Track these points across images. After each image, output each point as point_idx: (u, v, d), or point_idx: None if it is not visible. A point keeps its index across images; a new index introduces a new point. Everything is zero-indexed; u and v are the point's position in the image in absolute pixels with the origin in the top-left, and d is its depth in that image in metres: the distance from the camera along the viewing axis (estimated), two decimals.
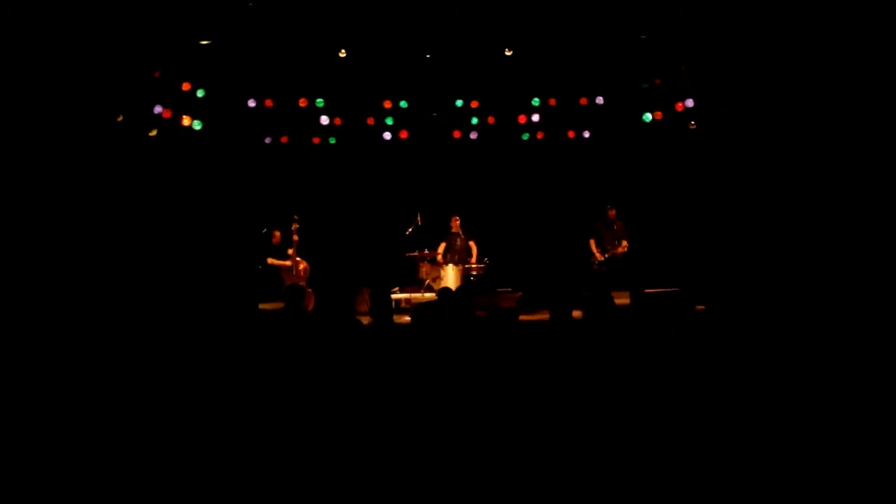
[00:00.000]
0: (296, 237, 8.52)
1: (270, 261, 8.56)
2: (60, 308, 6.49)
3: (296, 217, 8.56)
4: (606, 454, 3.03)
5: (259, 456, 3.06)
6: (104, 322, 6.18)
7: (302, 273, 8.58)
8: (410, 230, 9.13)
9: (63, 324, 5.88)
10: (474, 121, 9.55)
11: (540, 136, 9.79)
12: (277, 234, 8.65)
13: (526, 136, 9.76)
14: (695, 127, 8.96)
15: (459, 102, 9.37)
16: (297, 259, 8.58)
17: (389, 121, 9.46)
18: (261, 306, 7.28)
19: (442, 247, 9.26)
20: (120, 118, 7.89)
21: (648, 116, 9.23)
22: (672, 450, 3.03)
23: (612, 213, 9.11)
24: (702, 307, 4.79)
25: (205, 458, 3.09)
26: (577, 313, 4.48)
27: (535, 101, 9.37)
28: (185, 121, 8.66)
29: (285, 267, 8.54)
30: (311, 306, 8.36)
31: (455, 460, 3.01)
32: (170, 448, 3.14)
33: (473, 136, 9.67)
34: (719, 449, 2.98)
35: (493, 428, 3.20)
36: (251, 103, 9.03)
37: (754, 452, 2.90)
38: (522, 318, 7.44)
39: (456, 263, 9.02)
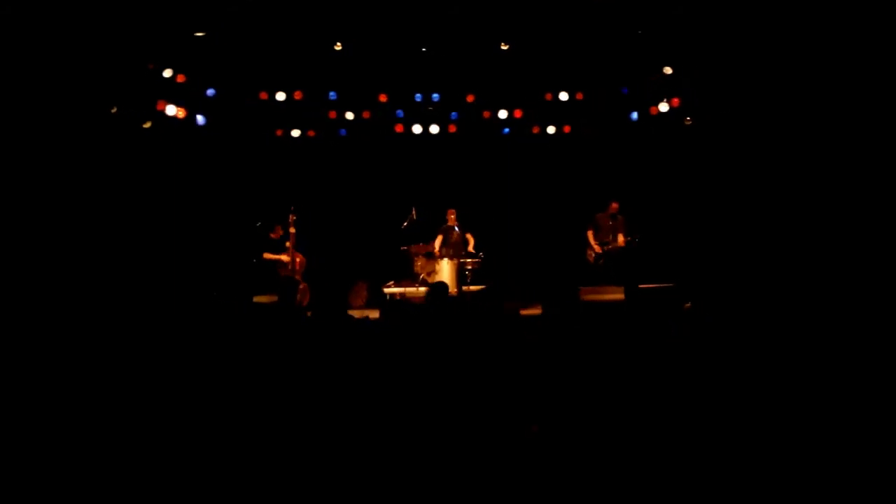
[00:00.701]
0: (293, 229, 8.51)
1: (267, 255, 8.55)
2: (55, 302, 6.47)
3: (293, 208, 8.54)
4: (599, 451, 3.03)
5: (253, 450, 3.06)
6: (99, 314, 6.17)
7: (298, 267, 8.57)
8: (405, 224, 9.11)
9: (57, 317, 5.86)
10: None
11: (536, 130, 9.77)
12: (279, 228, 8.62)
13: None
14: (690, 123, 8.96)
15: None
16: (294, 253, 8.57)
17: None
18: (255, 299, 7.28)
19: (438, 240, 9.24)
20: (114, 110, 7.85)
21: (635, 115, 9.26)
22: (667, 448, 3.04)
23: (615, 206, 9.07)
24: (688, 304, 4.80)
25: (199, 451, 3.09)
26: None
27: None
28: (180, 113, 8.63)
29: (281, 261, 8.54)
30: (305, 301, 8.36)
31: (449, 456, 3.02)
32: (165, 442, 3.14)
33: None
34: (715, 447, 2.99)
35: (486, 423, 3.21)
36: (248, 97, 8.99)
37: (751, 451, 2.91)
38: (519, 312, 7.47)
39: (451, 257, 9.01)
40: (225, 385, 3.51)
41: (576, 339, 3.94)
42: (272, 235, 8.61)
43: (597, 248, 9.05)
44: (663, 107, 9.11)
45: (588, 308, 5.83)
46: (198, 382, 3.61)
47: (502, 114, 9.58)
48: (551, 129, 9.79)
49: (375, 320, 4.99)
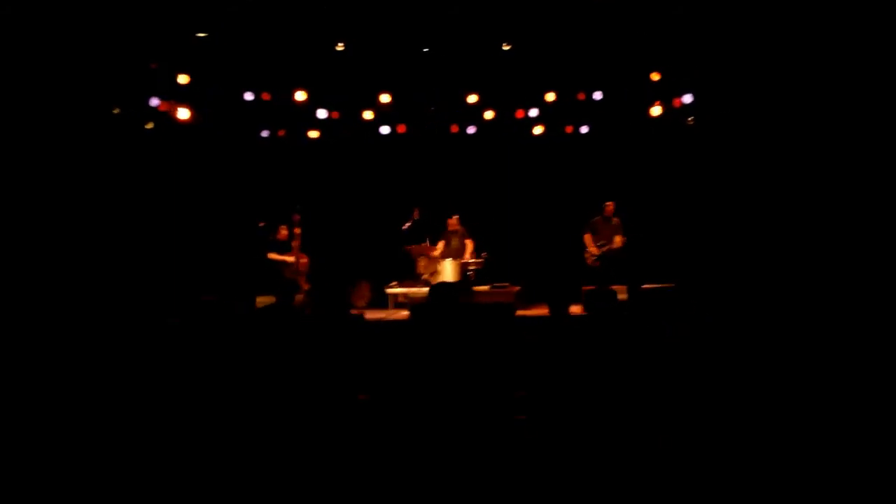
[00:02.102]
0: (297, 230, 8.49)
1: (272, 256, 8.53)
2: (55, 303, 6.47)
3: (297, 207, 8.52)
4: (602, 451, 3.02)
5: (254, 449, 3.06)
6: (99, 315, 6.18)
7: (302, 268, 8.56)
8: (408, 225, 9.10)
9: (57, 318, 5.86)
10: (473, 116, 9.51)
11: (541, 128, 9.75)
12: (283, 229, 8.61)
13: (527, 134, 9.73)
14: (693, 123, 8.94)
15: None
16: (299, 253, 8.55)
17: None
18: (258, 298, 7.27)
19: (440, 245, 9.25)
20: (116, 111, 7.86)
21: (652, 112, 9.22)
22: (668, 448, 3.03)
23: (611, 206, 9.07)
24: (692, 305, 4.79)
25: (200, 451, 3.08)
26: (576, 309, 4.47)
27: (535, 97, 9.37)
28: (183, 114, 8.62)
29: (286, 262, 8.52)
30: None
31: (450, 455, 3.01)
32: (166, 442, 3.14)
33: (469, 128, 9.65)
34: (716, 448, 2.98)
35: (488, 424, 3.20)
36: (248, 97, 8.99)
37: (752, 452, 2.89)
38: (520, 313, 7.47)
39: (454, 258, 9.01)
40: (224, 385, 3.51)
41: (583, 338, 3.93)
42: (277, 236, 8.59)
43: (594, 251, 9.04)
44: (664, 107, 9.10)
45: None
46: (197, 382, 3.61)
47: (505, 114, 9.56)
48: (554, 130, 9.77)
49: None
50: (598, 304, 4.17)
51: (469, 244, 9.27)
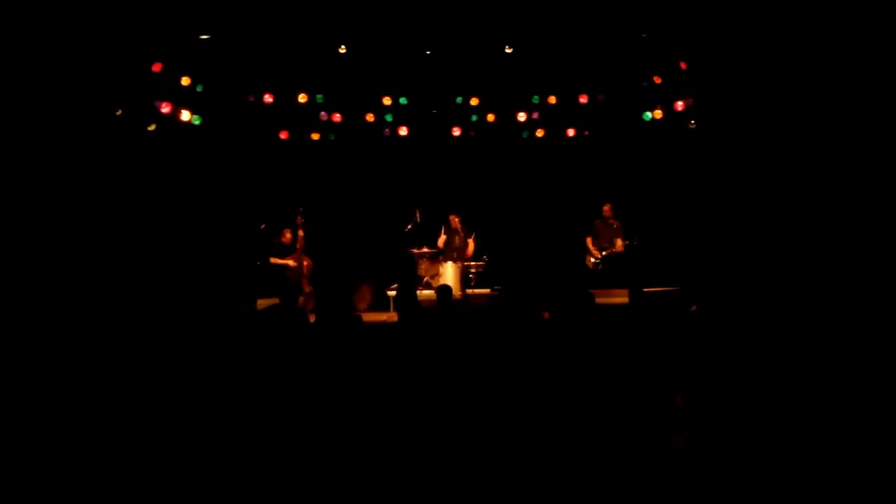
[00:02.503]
0: (301, 231, 8.48)
1: (274, 260, 8.50)
2: (57, 305, 6.47)
3: (301, 209, 8.51)
4: (601, 452, 3.03)
5: (256, 452, 3.06)
6: (101, 318, 6.19)
7: (305, 271, 8.54)
8: (409, 227, 9.11)
9: (60, 320, 5.87)
10: (473, 118, 9.53)
11: (541, 133, 9.76)
12: (287, 232, 8.59)
13: (526, 134, 9.74)
14: (694, 126, 8.95)
15: (459, 99, 9.32)
16: (302, 256, 8.53)
17: (388, 118, 9.44)
18: (259, 301, 7.28)
19: (442, 238, 9.22)
20: (119, 112, 7.87)
21: (649, 115, 9.20)
22: (667, 449, 3.04)
23: (608, 208, 9.08)
24: (694, 307, 4.80)
25: (202, 453, 3.09)
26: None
27: (535, 99, 9.36)
28: (185, 116, 8.63)
29: (289, 265, 8.51)
30: (310, 305, 8.35)
31: (451, 457, 3.01)
32: (167, 444, 3.14)
33: (472, 133, 9.67)
34: (716, 449, 2.98)
35: (489, 425, 3.20)
36: (251, 99, 9.00)
37: (752, 453, 2.90)
38: None
39: (455, 261, 9.00)
40: (226, 388, 3.52)
41: (583, 340, 3.95)
42: (281, 240, 8.56)
43: (596, 254, 9.06)
44: (665, 111, 9.11)
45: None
46: (199, 385, 3.61)
47: (507, 117, 9.58)
48: (556, 132, 9.79)
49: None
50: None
51: (471, 242, 9.24)
